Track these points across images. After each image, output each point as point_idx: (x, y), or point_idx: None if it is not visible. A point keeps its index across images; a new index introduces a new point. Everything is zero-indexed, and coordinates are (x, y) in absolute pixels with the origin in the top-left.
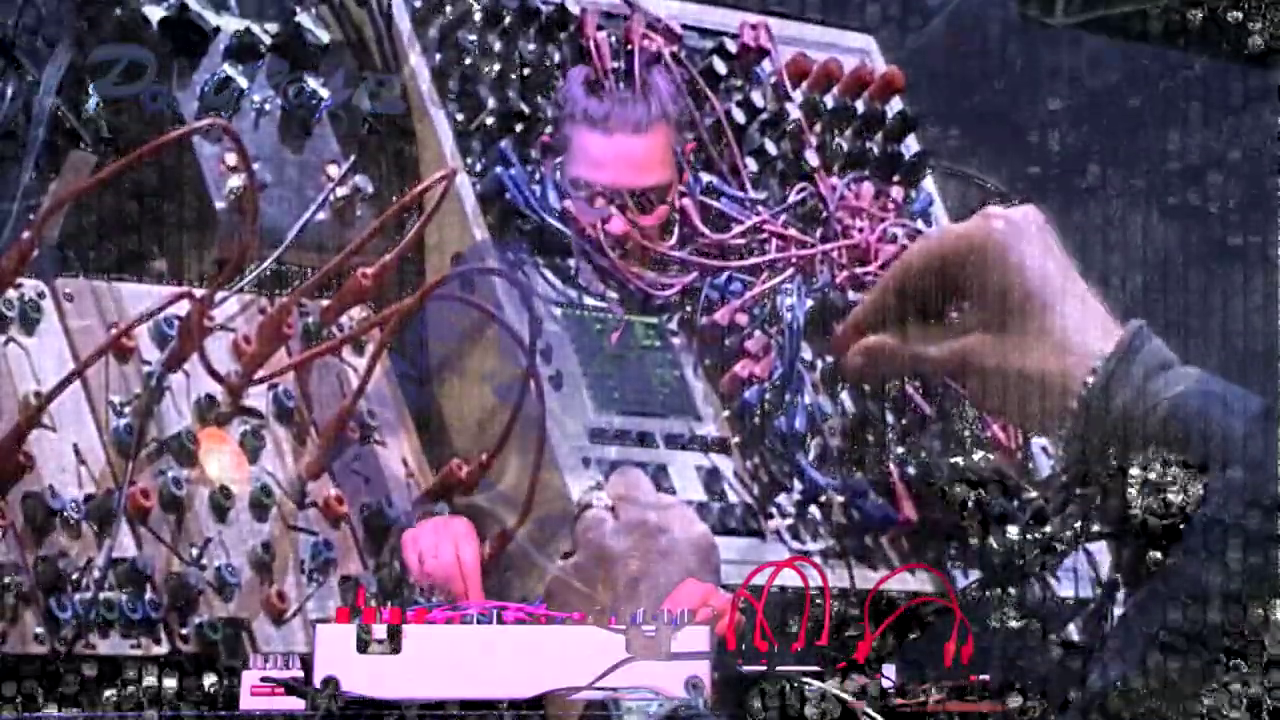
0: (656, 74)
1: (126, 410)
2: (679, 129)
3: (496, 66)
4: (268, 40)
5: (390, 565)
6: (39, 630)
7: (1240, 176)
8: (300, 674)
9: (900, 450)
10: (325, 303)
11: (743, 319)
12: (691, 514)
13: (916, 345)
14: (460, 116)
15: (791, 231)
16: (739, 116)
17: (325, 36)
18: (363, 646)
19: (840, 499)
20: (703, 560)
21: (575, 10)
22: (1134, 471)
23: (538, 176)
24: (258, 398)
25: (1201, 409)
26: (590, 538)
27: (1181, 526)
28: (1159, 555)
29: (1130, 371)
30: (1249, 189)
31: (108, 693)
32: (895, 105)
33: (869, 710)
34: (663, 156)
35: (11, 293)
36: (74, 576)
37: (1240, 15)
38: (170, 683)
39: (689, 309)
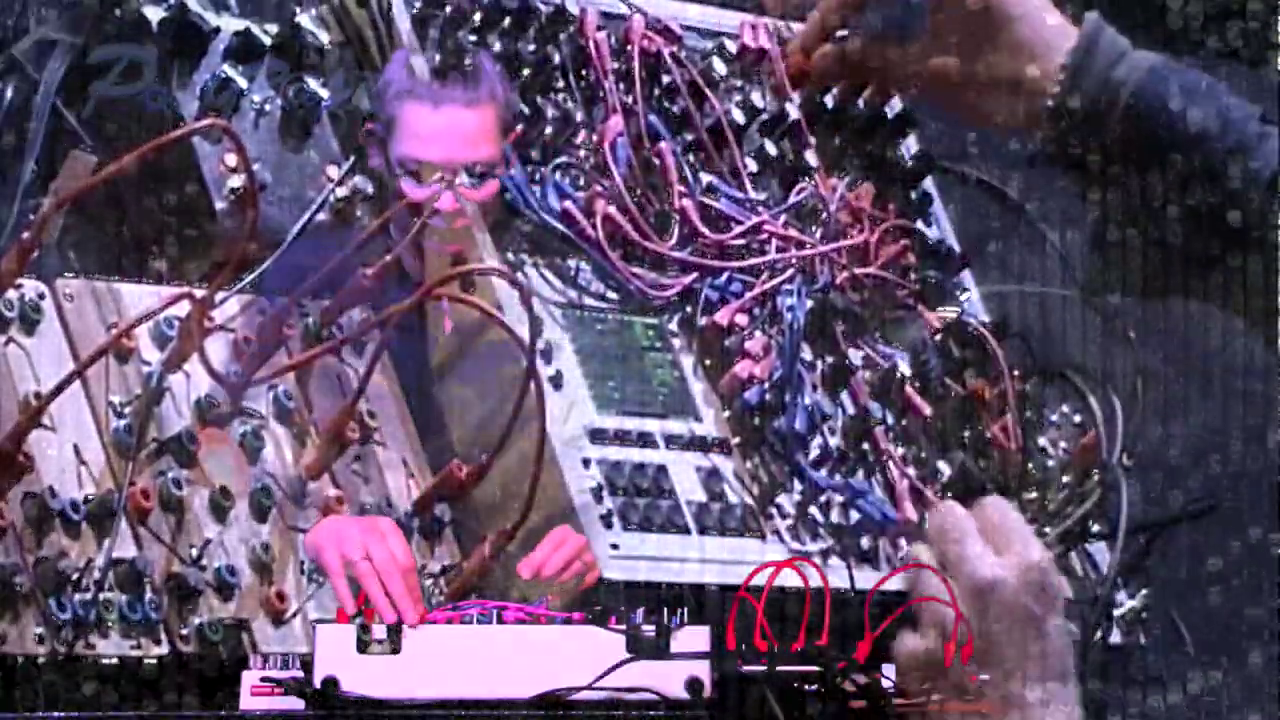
0: (484, 57)
1: (126, 410)
2: (506, 110)
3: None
4: (268, 40)
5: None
6: (39, 630)
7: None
8: (300, 674)
9: (900, 451)
10: (325, 303)
11: (743, 319)
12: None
13: (888, 55)
14: None
15: (791, 231)
16: (739, 116)
17: (325, 36)
18: (363, 646)
19: (840, 499)
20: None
21: (575, 10)
22: None
23: (538, 177)
24: (258, 398)
25: (1160, 96)
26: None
27: None
28: None
29: (1092, 65)
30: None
31: None
32: (895, 105)
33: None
34: (492, 133)
35: (11, 293)
36: (74, 577)
37: None
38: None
39: (689, 309)
